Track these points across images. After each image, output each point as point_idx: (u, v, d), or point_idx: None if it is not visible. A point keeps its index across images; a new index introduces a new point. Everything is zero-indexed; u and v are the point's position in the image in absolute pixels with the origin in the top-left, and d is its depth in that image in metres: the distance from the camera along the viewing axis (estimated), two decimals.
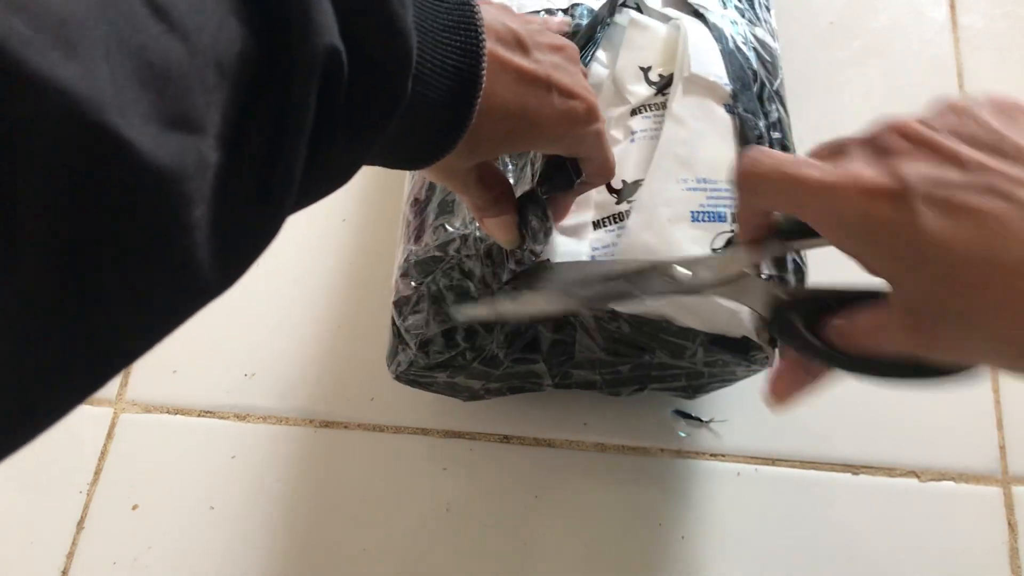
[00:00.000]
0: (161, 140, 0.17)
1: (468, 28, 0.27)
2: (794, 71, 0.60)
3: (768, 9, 0.50)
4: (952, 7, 0.61)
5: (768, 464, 0.48)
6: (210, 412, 0.52)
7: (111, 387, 0.53)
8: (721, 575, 0.46)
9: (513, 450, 0.50)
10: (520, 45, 0.30)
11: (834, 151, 0.28)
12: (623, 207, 0.40)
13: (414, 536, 0.48)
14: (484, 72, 0.28)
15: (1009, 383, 0.50)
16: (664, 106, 0.42)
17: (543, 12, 0.44)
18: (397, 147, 0.28)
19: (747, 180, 0.29)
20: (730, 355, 0.40)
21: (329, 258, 0.56)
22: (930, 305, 0.25)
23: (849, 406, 0.49)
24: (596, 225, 0.40)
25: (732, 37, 0.44)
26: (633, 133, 0.42)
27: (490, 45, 0.28)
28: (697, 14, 0.44)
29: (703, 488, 0.48)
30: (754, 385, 0.50)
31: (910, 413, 0.49)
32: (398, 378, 0.44)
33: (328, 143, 0.22)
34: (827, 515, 0.47)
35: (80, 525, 0.50)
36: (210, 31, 0.18)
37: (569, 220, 0.40)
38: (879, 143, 0.26)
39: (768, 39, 0.47)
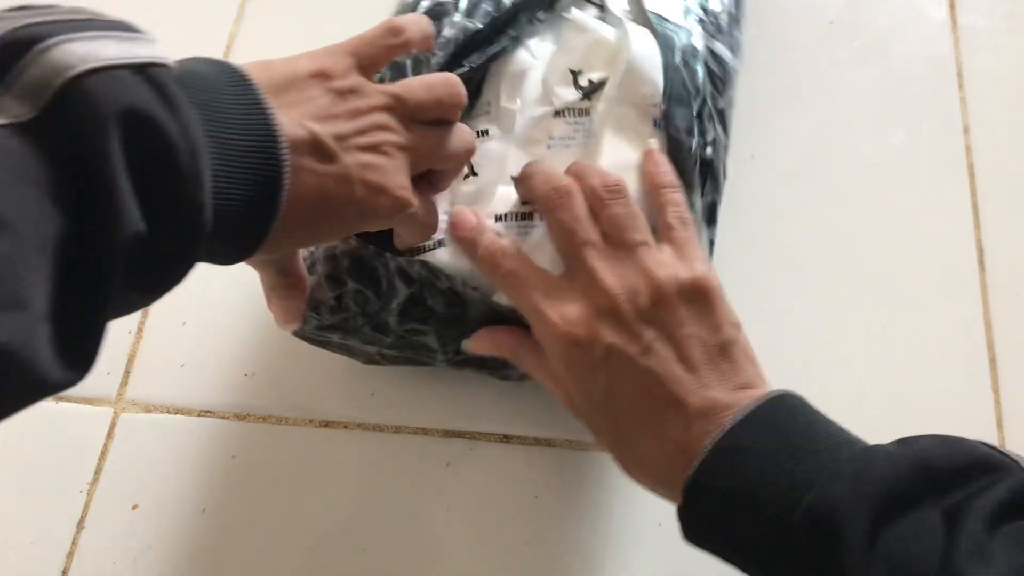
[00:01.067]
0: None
1: (267, 147, 0.28)
2: (794, 71, 0.60)
3: (737, 22, 0.49)
4: (952, 7, 0.61)
5: None
6: (210, 412, 0.52)
7: (111, 387, 0.53)
8: (721, 575, 0.46)
9: (513, 450, 0.50)
10: (324, 153, 0.30)
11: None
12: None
13: (414, 536, 0.48)
14: (284, 191, 0.29)
15: (1009, 382, 0.50)
16: (588, 112, 0.42)
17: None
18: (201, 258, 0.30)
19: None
20: None
21: None
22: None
23: (849, 406, 0.49)
24: (498, 218, 0.41)
25: (681, 50, 0.43)
26: (551, 138, 0.42)
27: (292, 159, 0.29)
28: (649, 23, 0.43)
29: None
30: None
31: (910, 413, 0.49)
32: (295, 334, 0.44)
33: (130, 292, 0.26)
34: None
35: (80, 525, 0.50)
36: (32, 219, 0.22)
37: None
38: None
39: (726, 54, 0.46)
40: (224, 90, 0.28)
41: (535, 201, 0.40)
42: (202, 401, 0.52)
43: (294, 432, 0.51)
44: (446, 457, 0.50)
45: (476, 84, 0.43)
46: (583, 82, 0.42)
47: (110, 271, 0.24)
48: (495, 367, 0.47)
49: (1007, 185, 0.55)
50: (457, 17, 0.42)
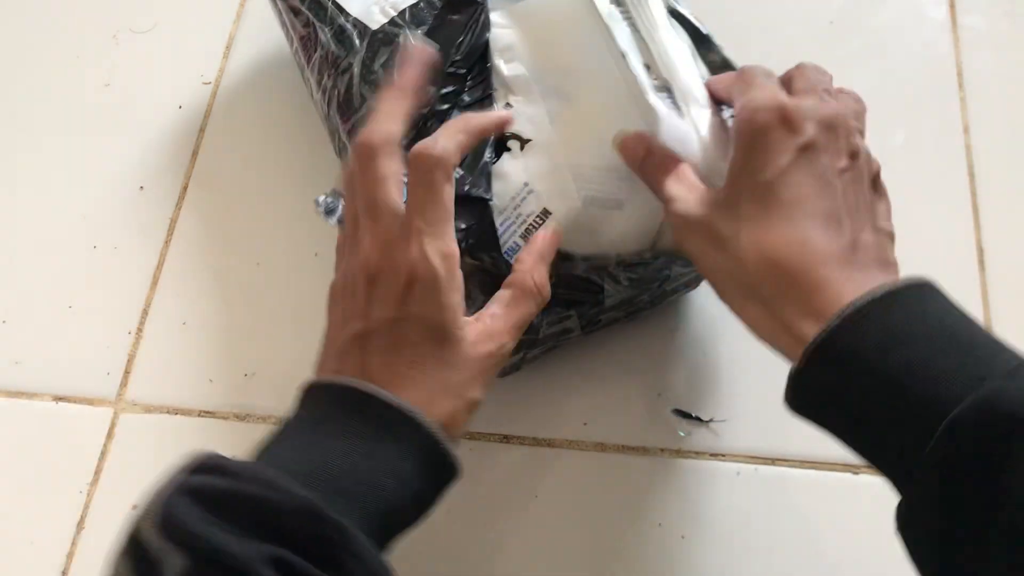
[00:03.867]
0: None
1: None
2: None
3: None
4: (952, 7, 0.61)
5: (768, 464, 0.48)
6: (210, 412, 0.52)
7: (111, 387, 0.53)
8: (721, 575, 0.46)
9: (513, 450, 0.50)
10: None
11: None
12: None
13: (413, 535, 0.48)
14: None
15: None
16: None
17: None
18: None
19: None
20: None
21: (330, 258, 0.56)
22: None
23: None
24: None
25: None
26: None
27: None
28: None
29: (703, 488, 0.48)
30: (754, 385, 0.50)
31: None
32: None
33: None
34: (827, 515, 0.47)
35: (80, 525, 0.50)
36: None
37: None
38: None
39: None
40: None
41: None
42: (202, 401, 0.52)
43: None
44: None
45: (481, 83, 0.43)
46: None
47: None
48: (626, 316, 0.49)
49: (1007, 185, 0.55)
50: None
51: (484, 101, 0.43)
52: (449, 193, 0.35)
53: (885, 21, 0.61)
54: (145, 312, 0.56)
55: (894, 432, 0.30)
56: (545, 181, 0.40)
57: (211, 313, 0.55)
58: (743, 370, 0.51)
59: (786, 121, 0.34)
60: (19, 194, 0.61)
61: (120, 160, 0.61)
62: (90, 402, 0.53)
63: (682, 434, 0.49)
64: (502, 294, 0.38)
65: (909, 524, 0.30)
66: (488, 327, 0.36)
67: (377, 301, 0.35)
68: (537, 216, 0.40)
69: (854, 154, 0.35)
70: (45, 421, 0.53)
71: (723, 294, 0.36)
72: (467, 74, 0.43)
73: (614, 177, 0.40)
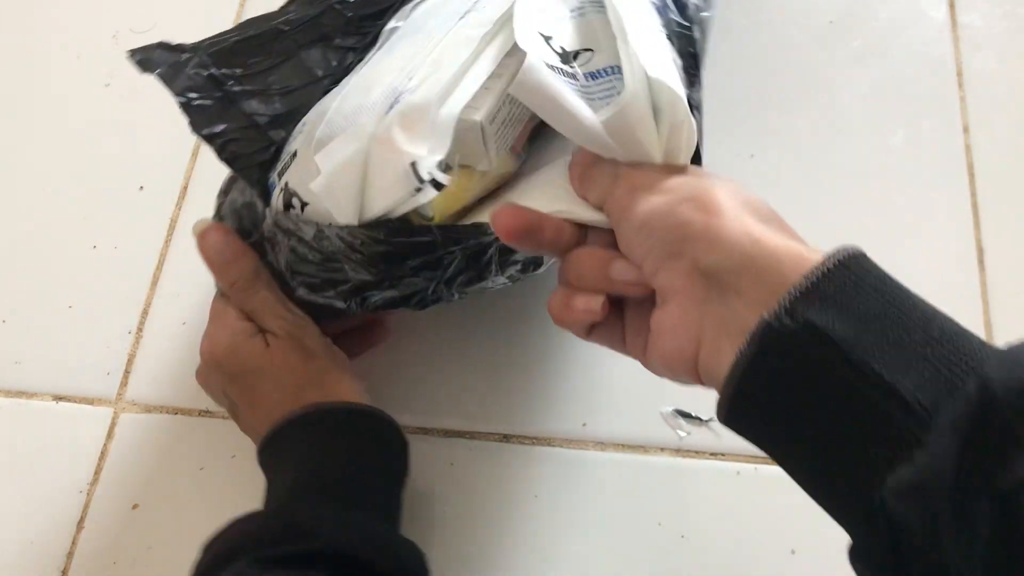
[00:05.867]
0: None
1: None
2: (794, 71, 0.60)
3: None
4: (952, 7, 0.61)
5: (768, 464, 0.48)
6: (210, 412, 0.52)
7: (111, 387, 0.53)
8: (721, 575, 0.46)
9: (513, 450, 0.50)
10: None
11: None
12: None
13: (413, 536, 0.48)
14: None
15: None
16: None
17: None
18: None
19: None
20: None
21: None
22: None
23: None
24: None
25: None
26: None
27: None
28: None
29: (703, 488, 0.48)
30: None
31: None
32: None
33: None
34: (827, 514, 0.47)
35: (80, 525, 0.50)
36: None
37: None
38: None
39: None
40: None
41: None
42: (202, 401, 0.52)
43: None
44: (446, 457, 0.50)
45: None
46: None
47: None
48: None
49: (1007, 185, 0.55)
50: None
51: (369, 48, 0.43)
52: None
53: (885, 21, 0.61)
54: (145, 312, 0.56)
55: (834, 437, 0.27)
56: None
57: None
58: None
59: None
60: (19, 194, 0.61)
61: (120, 160, 0.61)
62: (90, 402, 0.53)
63: (682, 434, 0.49)
64: None
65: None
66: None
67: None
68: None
69: None
70: (45, 421, 0.53)
71: None
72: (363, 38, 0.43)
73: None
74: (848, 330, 0.26)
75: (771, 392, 0.28)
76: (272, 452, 0.42)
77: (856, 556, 0.28)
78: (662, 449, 0.49)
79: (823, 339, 0.26)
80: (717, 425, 0.49)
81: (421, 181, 0.35)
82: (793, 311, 0.27)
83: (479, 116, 0.37)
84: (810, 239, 0.31)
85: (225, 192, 0.46)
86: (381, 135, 0.36)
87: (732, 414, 0.30)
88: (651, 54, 0.34)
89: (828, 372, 0.26)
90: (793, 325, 0.26)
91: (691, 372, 0.31)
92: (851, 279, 0.27)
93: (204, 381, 0.46)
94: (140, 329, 0.55)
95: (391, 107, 0.37)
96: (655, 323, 0.32)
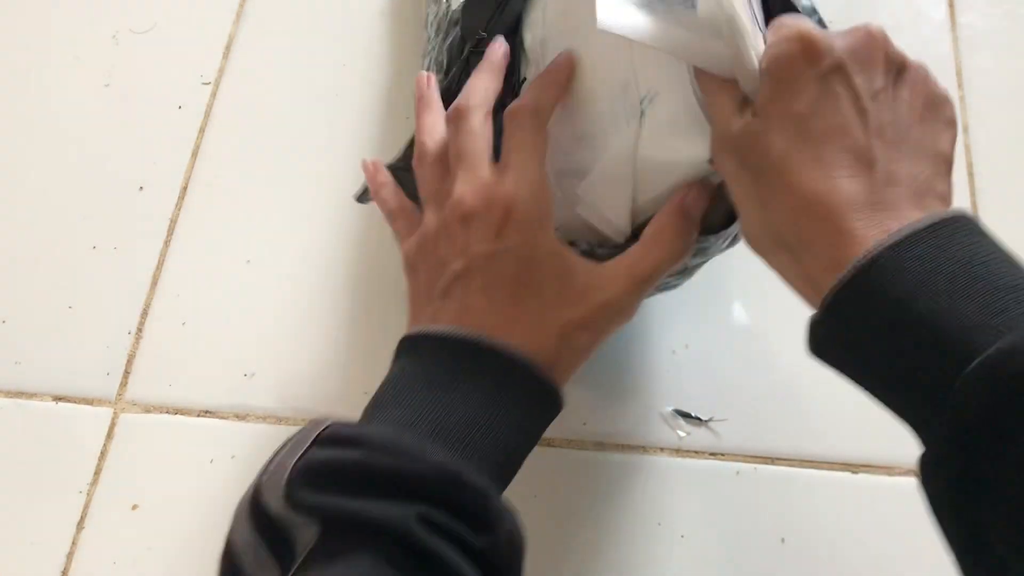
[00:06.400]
0: None
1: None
2: None
3: None
4: (952, 7, 0.61)
5: (768, 463, 0.48)
6: (210, 412, 0.52)
7: (111, 387, 0.53)
8: (720, 574, 0.46)
9: None
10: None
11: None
12: None
13: None
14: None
15: None
16: None
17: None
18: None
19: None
20: None
21: (330, 258, 0.56)
22: None
23: (849, 405, 0.49)
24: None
25: None
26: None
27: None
28: None
29: (703, 488, 0.48)
30: (754, 384, 0.50)
31: None
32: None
33: None
34: (826, 514, 0.47)
35: (80, 525, 0.50)
36: None
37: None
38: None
39: None
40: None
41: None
42: (202, 401, 0.52)
43: (294, 432, 0.51)
44: None
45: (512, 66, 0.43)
46: None
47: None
48: None
49: (1007, 185, 0.55)
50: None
51: (511, 77, 0.42)
52: (543, 139, 0.37)
53: (885, 21, 0.61)
54: (145, 312, 0.56)
55: (908, 386, 0.29)
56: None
57: (211, 313, 0.55)
58: (743, 370, 0.51)
59: (809, 49, 0.33)
60: (19, 194, 0.61)
61: (120, 160, 0.61)
62: (90, 402, 0.53)
63: (682, 434, 0.49)
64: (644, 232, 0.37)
65: (927, 478, 0.28)
66: (607, 272, 0.37)
67: (475, 238, 0.36)
68: None
69: (900, 67, 0.34)
70: (45, 421, 0.53)
71: (751, 239, 0.35)
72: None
73: (584, 146, 0.39)
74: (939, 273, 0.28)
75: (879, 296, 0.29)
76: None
77: (924, 464, 0.28)
78: (662, 449, 0.49)
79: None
80: (717, 425, 0.49)
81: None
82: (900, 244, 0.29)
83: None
84: None
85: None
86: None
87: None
88: None
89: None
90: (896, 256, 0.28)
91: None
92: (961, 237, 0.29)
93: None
94: (140, 329, 0.55)
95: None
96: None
